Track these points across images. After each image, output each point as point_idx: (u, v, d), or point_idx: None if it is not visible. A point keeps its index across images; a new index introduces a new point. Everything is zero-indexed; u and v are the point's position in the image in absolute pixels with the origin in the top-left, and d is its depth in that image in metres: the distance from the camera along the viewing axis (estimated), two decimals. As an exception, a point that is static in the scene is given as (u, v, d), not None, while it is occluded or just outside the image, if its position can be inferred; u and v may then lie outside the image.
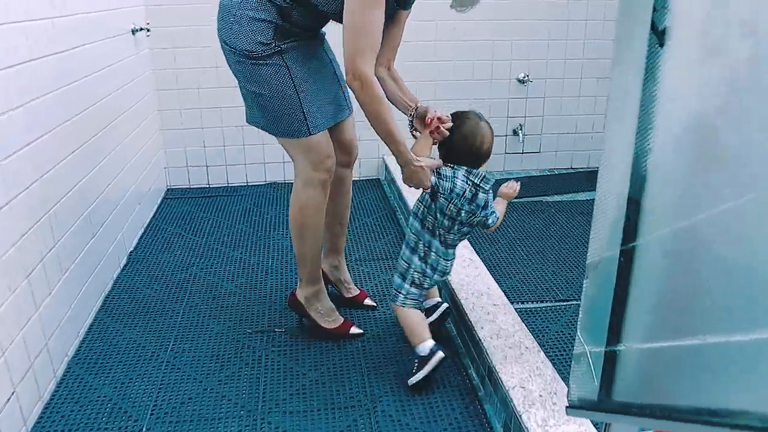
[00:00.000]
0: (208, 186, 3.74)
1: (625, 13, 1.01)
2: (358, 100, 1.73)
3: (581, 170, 4.05)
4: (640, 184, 1.03)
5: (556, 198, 3.59)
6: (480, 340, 1.90)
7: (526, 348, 1.86)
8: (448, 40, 3.66)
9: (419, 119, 1.95)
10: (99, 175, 2.43)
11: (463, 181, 1.82)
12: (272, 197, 3.57)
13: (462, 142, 1.83)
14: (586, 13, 3.74)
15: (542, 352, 1.84)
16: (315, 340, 2.14)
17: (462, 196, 1.82)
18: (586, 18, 3.75)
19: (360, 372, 1.98)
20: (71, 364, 2.02)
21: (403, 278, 1.95)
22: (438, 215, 1.86)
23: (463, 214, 1.85)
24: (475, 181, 1.83)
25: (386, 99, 1.77)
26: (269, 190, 3.69)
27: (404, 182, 1.87)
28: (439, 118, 1.84)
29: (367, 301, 2.37)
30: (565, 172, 4.03)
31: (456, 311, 2.17)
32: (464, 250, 2.49)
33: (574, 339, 2.19)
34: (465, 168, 1.83)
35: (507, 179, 2.09)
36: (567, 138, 4.01)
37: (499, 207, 1.99)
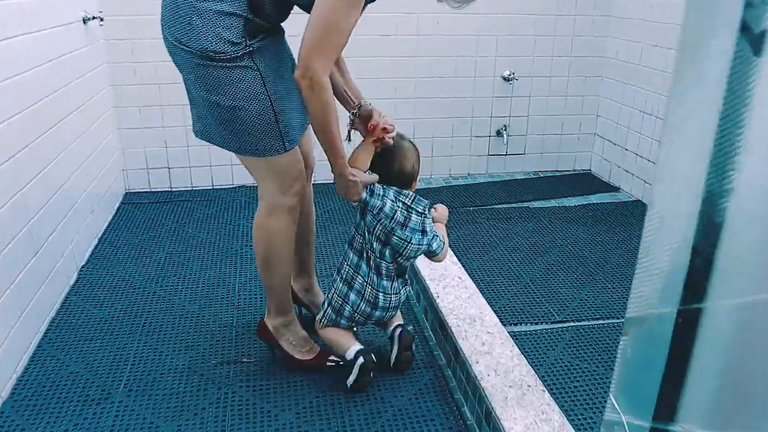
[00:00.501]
0: (170, 189, 3.46)
1: (699, 7, 0.79)
2: (304, 100, 1.53)
3: (567, 173, 3.87)
4: (713, 232, 0.81)
5: (543, 204, 3.40)
6: (476, 377, 1.69)
7: (529, 387, 1.65)
8: (430, 35, 3.43)
9: (361, 121, 1.81)
10: (43, 181, 2.15)
11: (393, 201, 1.71)
12: (241, 202, 3.31)
13: (383, 166, 1.75)
14: (576, 8, 3.54)
15: (547, 393, 1.63)
16: (288, 373, 1.90)
17: (392, 218, 1.71)
18: (575, 13, 3.55)
19: (341, 411, 1.75)
20: (5, 408, 1.75)
21: (327, 298, 1.86)
22: (366, 234, 1.75)
23: (394, 240, 1.72)
24: (406, 202, 1.73)
25: (333, 104, 1.56)
26: (237, 193, 3.42)
27: (337, 191, 1.73)
28: (384, 128, 1.74)
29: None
30: (551, 175, 3.84)
31: (446, 340, 1.95)
32: (453, 267, 2.27)
33: (574, 368, 2.02)
34: (395, 189, 1.74)
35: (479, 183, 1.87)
36: (553, 139, 3.82)
37: (440, 231, 1.85)
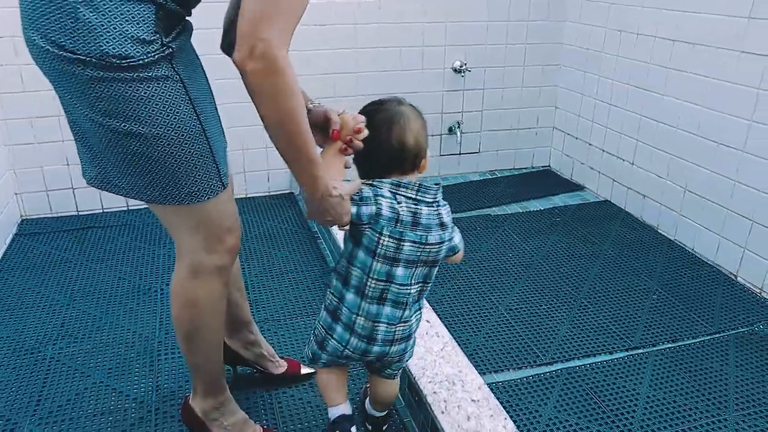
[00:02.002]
0: (76, 213, 2.95)
1: None
2: (254, 93, 1.05)
3: (525, 171, 3.55)
4: None
5: (505, 209, 3.07)
6: (465, 470, 1.33)
7: (533, 481, 1.30)
8: (370, 23, 3.02)
9: (315, 128, 1.29)
10: None
11: (390, 199, 1.25)
12: (161, 225, 2.83)
13: (373, 142, 1.26)
14: (530, -10, 3.21)
15: (557, 488, 1.29)
16: (224, 469, 1.50)
17: (396, 220, 1.24)
18: (530, -5, 3.22)
19: None
20: None
21: (313, 327, 1.45)
22: (370, 266, 1.27)
23: (407, 248, 1.26)
24: (410, 195, 1.26)
25: (300, 93, 1.08)
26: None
27: (310, 218, 1.26)
28: (357, 129, 1.26)
29: (305, 370, 1.82)
30: (508, 174, 3.51)
31: (420, 410, 1.58)
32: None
33: (575, 428, 1.70)
34: (391, 180, 1.27)
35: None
36: (508, 135, 3.49)
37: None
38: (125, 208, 3.00)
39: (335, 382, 1.45)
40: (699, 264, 2.52)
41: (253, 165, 3.10)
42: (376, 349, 1.34)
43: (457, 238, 1.37)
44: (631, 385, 1.82)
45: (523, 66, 3.35)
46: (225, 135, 1.33)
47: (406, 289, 1.29)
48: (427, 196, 1.27)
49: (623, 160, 2.99)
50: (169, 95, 1.12)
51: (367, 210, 1.23)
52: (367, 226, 1.24)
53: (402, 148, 1.25)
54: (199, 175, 1.20)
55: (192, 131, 1.16)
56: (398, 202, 1.25)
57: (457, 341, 1.77)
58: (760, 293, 2.31)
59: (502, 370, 1.89)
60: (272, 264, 2.50)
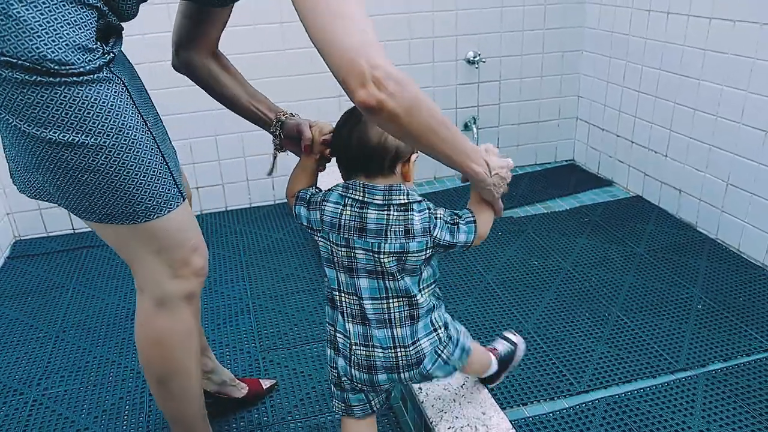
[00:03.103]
0: (72, 231, 2.79)
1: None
2: (400, 117, 0.90)
3: (548, 166, 3.32)
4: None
5: (528, 210, 2.84)
6: None
7: None
8: (375, 14, 2.80)
9: (290, 140, 1.32)
10: None
11: (336, 202, 1.14)
12: (160, 242, 2.66)
13: (337, 142, 1.18)
14: (547, -29, 2.96)
15: None
16: None
17: (339, 226, 1.13)
18: (547, -23, 2.97)
19: None
20: None
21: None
22: (336, 278, 1.18)
23: (360, 257, 1.13)
24: (356, 196, 1.12)
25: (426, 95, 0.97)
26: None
27: (490, 198, 1.19)
28: (323, 141, 1.22)
29: (266, 383, 1.72)
30: (530, 170, 3.28)
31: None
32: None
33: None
34: (342, 183, 1.16)
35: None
36: (529, 128, 3.25)
37: (476, 208, 1.20)
38: (123, 224, 2.82)
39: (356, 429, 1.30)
40: (746, 266, 2.28)
41: (256, 173, 2.91)
42: (381, 377, 1.20)
43: (451, 236, 1.15)
44: (681, 417, 1.60)
45: (542, 53, 3.10)
46: (172, 144, 1.22)
47: (381, 303, 1.15)
48: (375, 197, 1.11)
49: (655, 152, 2.74)
50: (113, 98, 1.01)
51: (313, 215, 1.17)
52: (317, 233, 1.18)
53: (362, 146, 1.11)
54: (153, 187, 1.07)
55: (140, 136, 1.05)
56: (344, 206, 1.13)
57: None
58: (819, 298, 2.07)
59: (532, 402, 1.67)
60: (277, 282, 2.31)
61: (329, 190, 1.17)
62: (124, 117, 1.02)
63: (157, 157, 1.08)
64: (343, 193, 1.13)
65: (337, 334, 1.21)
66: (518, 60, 3.08)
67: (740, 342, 1.88)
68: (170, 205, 1.10)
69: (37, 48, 0.92)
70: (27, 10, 0.91)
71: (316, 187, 1.23)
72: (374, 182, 1.12)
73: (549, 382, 1.74)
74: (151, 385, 1.27)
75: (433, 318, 1.21)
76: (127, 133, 1.02)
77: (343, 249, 1.14)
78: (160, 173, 1.08)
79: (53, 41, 0.93)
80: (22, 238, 2.74)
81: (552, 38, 3.09)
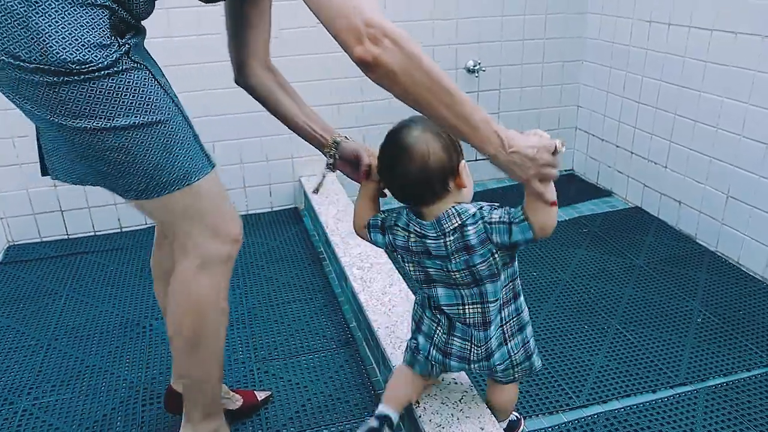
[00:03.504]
0: (66, 237, 2.76)
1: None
2: (394, 75, 0.94)
3: (547, 175, 3.30)
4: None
5: (527, 219, 2.82)
6: None
7: None
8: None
9: (346, 162, 1.38)
10: None
11: (404, 227, 1.26)
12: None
13: (386, 182, 1.27)
14: (547, -20, 2.95)
15: None
16: None
17: (408, 250, 1.27)
18: (547, -14, 2.96)
19: None
20: None
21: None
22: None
23: (433, 273, 1.27)
24: (416, 229, 1.23)
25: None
26: (152, 236, 2.74)
27: (527, 180, 1.10)
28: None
29: (261, 395, 1.70)
30: (529, 179, 3.26)
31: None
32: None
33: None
34: (408, 211, 1.26)
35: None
36: (528, 137, 3.24)
37: (527, 200, 1.14)
38: (117, 230, 2.80)
39: (403, 381, 1.42)
40: (746, 279, 2.26)
41: (253, 179, 2.89)
42: (454, 364, 1.34)
43: (519, 237, 1.16)
44: (681, 433, 1.58)
45: (542, 63, 3.10)
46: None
47: (459, 309, 1.28)
48: (428, 231, 1.22)
49: (655, 163, 2.73)
50: (138, 82, 1.10)
51: (388, 238, 1.29)
52: (396, 253, 1.30)
53: (406, 181, 1.18)
54: (186, 155, 1.17)
55: (170, 112, 1.14)
56: (409, 233, 1.24)
57: (476, 387, 1.54)
58: (819, 313, 2.05)
59: (531, 417, 1.65)
60: (273, 290, 2.28)
61: (397, 214, 1.27)
62: (150, 96, 1.10)
63: (186, 131, 1.17)
64: (407, 221, 1.24)
65: (424, 317, 1.35)
66: (518, 69, 3.07)
67: (740, 356, 1.86)
68: (201, 172, 1.19)
69: (57, 53, 1.01)
70: (43, 19, 1.00)
71: (381, 212, 1.34)
72: (431, 208, 1.20)
73: (548, 396, 1.72)
74: (179, 350, 1.33)
75: (505, 314, 1.29)
76: (155, 110, 1.11)
77: (416, 266, 1.28)
78: (189, 143, 1.17)
79: (70, 44, 1.02)
80: (15, 243, 2.71)
81: (552, 48, 3.08)
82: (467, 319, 1.28)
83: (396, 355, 1.66)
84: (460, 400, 1.48)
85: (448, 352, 1.34)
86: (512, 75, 3.07)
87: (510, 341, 1.32)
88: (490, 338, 1.29)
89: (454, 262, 1.21)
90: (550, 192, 1.11)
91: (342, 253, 2.22)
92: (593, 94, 3.11)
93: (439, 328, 1.34)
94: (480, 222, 1.18)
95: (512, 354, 1.33)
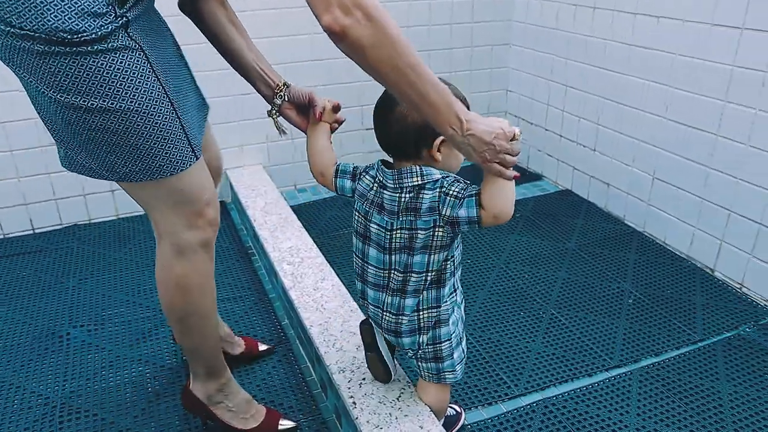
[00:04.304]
0: (2, 237, 2.56)
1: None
2: (364, 48, 0.93)
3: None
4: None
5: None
6: None
7: None
8: (292, 7, 2.69)
9: (295, 107, 1.39)
10: None
11: (372, 176, 1.27)
12: (72, 249, 2.46)
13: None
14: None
15: None
16: None
17: (365, 197, 1.27)
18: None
19: None
20: None
21: None
22: (353, 242, 1.35)
23: (373, 230, 1.26)
24: (380, 179, 1.24)
25: (399, 29, 0.97)
26: (67, 237, 2.57)
27: (484, 163, 1.09)
28: (335, 106, 1.36)
29: (262, 347, 1.83)
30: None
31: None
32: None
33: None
34: (379, 161, 1.26)
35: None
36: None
37: (485, 180, 1.13)
38: (30, 232, 2.61)
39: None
40: (673, 259, 2.32)
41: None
42: (387, 335, 1.35)
43: (463, 212, 1.14)
44: (617, 416, 1.59)
45: (471, 47, 3.07)
46: (206, 102, 1.37)
47: (383, 272, 1.28)
48: (388, 181, 1.21)
49: (584, 146, 2.76)
50: (129, 66, 1.08)
51: (351, 185, 1.30)
52: (351, 197, 1.31)
53: (386, 132, 1.19)
54: (168, 148, 1.15)
55: (156, 101, 1.12)
56: (374, 182, 1.25)
57: (413, 381, 1.50)
58: (740, 288, 2.12)
59: (470, 409, 1.63)
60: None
61: (371, 165, 1.27)
62: (140, 83, 1.08)
63: (172, 122, 1.14)
64: (376, 171, 1.24)
65: (356, 258, 1.35)
66: (447, 53, 3.04)
67: (670, 335, 1.89)
68: (184, 165, 1.18)
69: (49, 20, 0.99)
70: None
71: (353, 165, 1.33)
72: (403, 164, 1.19)
73: (486, 387, 1.70)
74: (172, 325, 1.38)
75: (424, 299, 1.26)
76: (142, 99, 1.09)
77: (362, 218, 1.28)
78: (174, 136, 1.15)
79: (62, 12, 0.99)
80: None
81: (480, 32, 3.06)
82: (386, 282, 1.28)
83: (330, 353, 1.60)
84: (398, 398, 1.43)
85: (377, 323, 1.35)
86: (441, 59, 3.04)
87: (423, 333, 1.29)
88: (403, 311, 1.27)
89: (400, 219, 1.21)
90: (508, 175, 1.10)
91: (271, 248, 2.14)
92: (522, 78, 3.11)
93: (368, 300, 1.35)
94: (438, 190, 1.17)
95: (421, 347, 1.31)
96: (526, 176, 3.10)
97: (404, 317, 1.28)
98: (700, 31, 2.10)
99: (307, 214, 2.73)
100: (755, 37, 1.93)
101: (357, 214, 1.29)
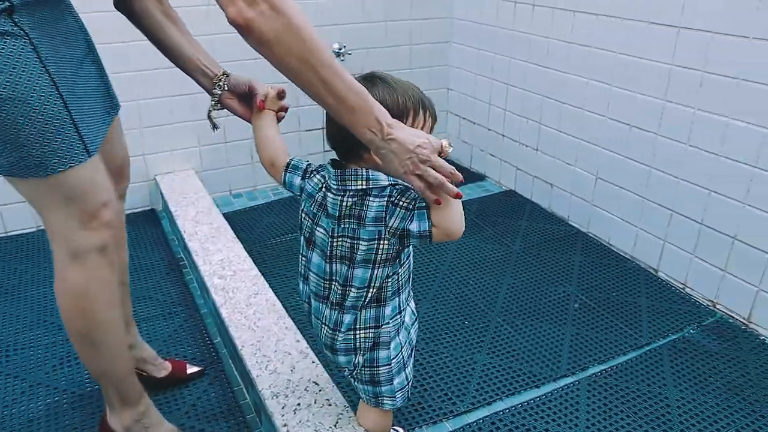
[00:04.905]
0: None
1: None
2: (269, 42, 0.89)
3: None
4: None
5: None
6: None
7: None
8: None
9: (236, 96, 1.31)
10: None
11: (322, 176, 1.17)
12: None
13: None
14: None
15: None
16: None
17: (313, 197, 1.17)
18: (411, -35, 2.85)
19: None
20: None
21: None
22: (301, 242, 1.25)
23: (319, 235, 1.17)
24: (326, 180, 1.15)
25: (309, 23, 0.92)
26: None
27: (406, 178, 1.01)
28: (279, 92, 1.26)
29: (191, 369, 1.70)
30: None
31: None
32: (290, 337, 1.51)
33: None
34: (331, 162, 1.16)
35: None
36: (400, 122, 3.13)
37: (434, 208, 1.03)
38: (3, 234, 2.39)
39: None
40: (617, 260, 2.29)
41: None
42: (324, 350, 1.27)
43: (414, 226, 1.05)
44: (566, 429, 1.53)
45: (410, 45, 2.99)
46: (116, 102, 1.28)
47: (324, 282, 1.18)
48: (332, 182, 1.12)
49: (526, 145, 2.72)
50: (11, 52, 0.99)
51: (300, 183, 1.20)
52: (298, 196, 1.22)
53: (329, 130, 1.12)
54: (54, 142, 1.06)
55: (42, 92, 1.03)
56: (322, 183, 1.15)
57: (351, 405, 1.40)
58: (684, 289, 2.10)
59: (413, 428, 1.54)
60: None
61: (324, 164, 1.17)
62: (23, 72, 1.00)
63: (60, 115, 1.05)
64: (325, 172, 1.15)
65: (301, 258, 1.25)
66: (386, 51, 2.95)
67: (616, 340, 1.85)
68: (71, 161, 1.08)
69: None
70: None
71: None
72: (350, 165, 1.10)
73: (431, 404, 1.61)
74: (75, 344, 1.25)
75: (362, 318, 1.17)
76: (25, 88, 1.00)
77: (309, 220, 1.18)
78: (62, 129, 1.06)
79: None
80: None
81: (420, 29, 2.98)
82: (329, 297, 1.19)
83: (263, 376, 1.48)
84: (335, 425, 1.33)
85: (318, 335, 1.27)
86: (379, 58, 2.94)
87: (359, 354, 1.21)
88: (339, 327, 1.19)
89: (342, 225, 1.12)
90: (448, 190, 0.99)
91: (201, 261, 2.00)
92: (463, 77, 3.05)
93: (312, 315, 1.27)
94: (386, 198, 1.08)
95: (357, 367, 1.23)
96: (469, 176, 3.04)
97: (340, 334, 1.19)
98: (638, 29, 2.07)
99: (243, 221, 2.60)
100: (692, 36, 1.90)
101: (304, 215, 1.20)
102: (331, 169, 1.11)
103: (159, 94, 2.55)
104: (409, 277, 1.21)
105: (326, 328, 1.21)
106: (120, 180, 1.39)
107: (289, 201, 2.78)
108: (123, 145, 1.39)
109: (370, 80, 1.09)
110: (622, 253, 2.32)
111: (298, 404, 1.39)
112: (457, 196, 1.00)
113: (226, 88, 1.30)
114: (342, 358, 1.23)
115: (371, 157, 1.06)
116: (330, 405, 1.39)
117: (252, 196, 2.85)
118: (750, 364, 1.76)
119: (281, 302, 1.79)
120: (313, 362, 1.52)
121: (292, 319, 1.72)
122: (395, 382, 1.24)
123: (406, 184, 1.07)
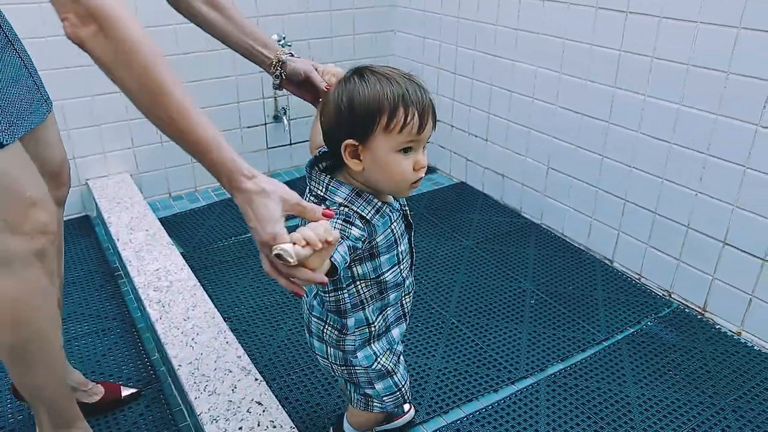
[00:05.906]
0: None
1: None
2: (105, 63, 0.79)
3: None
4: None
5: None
6: None
7: None
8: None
9: (293, 82, 1.25)
10: None
11: None
12: None
13: None
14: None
15: None
16: None
17: None
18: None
19: None
20: None
21: None
22: None
23: None
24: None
25: (151, 47, 0.80)
26: None
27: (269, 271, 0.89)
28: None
29: (126, 391, 1.56)
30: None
31: None
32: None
33: None
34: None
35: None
36: (346, 115, 3.03)
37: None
38: None
39: None
40: (571, 251, 2.24)
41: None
42: (305, 332, 1.23)
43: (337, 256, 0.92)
44: (526, 435, 1.47)
45: (353, 35, 2.88)
46: (46, 98, 1.19)
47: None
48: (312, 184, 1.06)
49: (476, 136, 2.64)
50: None
51: None
52: None
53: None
54: None
55: None
56: None
57: (300, 427, 1.30)
58: (639, 279, 2.06)
59: (367, 445, 1.45)
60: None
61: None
62: None
63: None
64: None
65: None
66: (328, 42, 2.83)
67: (574, 337, 1.80)
68: None
69: None
70: None
71: None
72: (347, 172, 1.03)
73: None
74: (5, 361, 1.15)
75: (331, 316, 1.13)
76: None
77: None
78: None
79: None
80: None
81: (362, 18, 2.87)
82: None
83: (201, 398, 1.37)
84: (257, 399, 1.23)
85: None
86: (321, 48, 2.82)
87: (328, 346, 1.17)
88: (312, 310, 1.15)
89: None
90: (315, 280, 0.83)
91: (136, 271, 1.86)
92: (408, 66, 2.95)
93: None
94: (336, 217, 0.98)
95: (330, 360, 1.18)
96: (419, 169, 2.95)
97: (312, 317, 1.16)
98: (586, 14, 2.01)
99: (183, 225, 2.45)
100: (640, 21, 1.85)
101: None
102: (307, 163, 1.07)
103: (86, 93, 2.38)
104: (381, 293, 1.12)
105: (305, 306, 1.18)
106: (58, 185, 1.30)
107: (231, 201, 2.65)
108: (60, 148, 1.30)
109: (352, 74, 1.00)
110: (576, 245, 2.27)
111: (240, 428, 1.28)
112: (321, 283, 0.85)
113: (283, 77, 1.26)
114: (315, 342, 1.18)
115: (350, 164, 1.00)
116: (275, 427, 1.28)
117: (193, 197, 2.70)
118: (708, 355, 1.72)
119: (221, 314, 1.67)
120: (256, 380, 1.42)
121: (233, 332, 1.60)
122: (378, 387, 1.20)
123: (356, 209, 1.00)
